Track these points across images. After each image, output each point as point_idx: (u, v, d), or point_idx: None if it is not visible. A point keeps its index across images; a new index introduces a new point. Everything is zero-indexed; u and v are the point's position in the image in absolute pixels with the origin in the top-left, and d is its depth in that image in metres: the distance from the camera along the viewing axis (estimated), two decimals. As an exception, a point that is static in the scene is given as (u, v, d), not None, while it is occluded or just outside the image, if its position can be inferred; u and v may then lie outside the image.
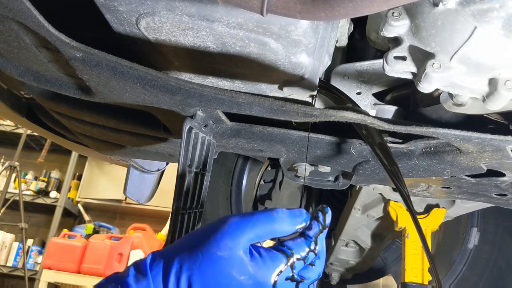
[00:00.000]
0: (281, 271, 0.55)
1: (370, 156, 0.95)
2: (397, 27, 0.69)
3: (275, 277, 0.54)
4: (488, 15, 0.61)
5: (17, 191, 4.15)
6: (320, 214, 0.62)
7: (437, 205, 1.55)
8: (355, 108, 0.84)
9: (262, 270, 0.54)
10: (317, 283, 0.62)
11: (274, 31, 0.68)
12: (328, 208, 0.63)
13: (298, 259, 0.57)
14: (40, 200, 4.61)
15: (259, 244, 0.60)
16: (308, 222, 0.61)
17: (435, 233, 1.85)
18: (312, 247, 0.59)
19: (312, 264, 0.59)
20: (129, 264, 0.59)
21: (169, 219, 1.13)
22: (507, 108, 0.79)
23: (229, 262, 0.53)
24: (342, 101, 0.90)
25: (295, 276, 0.57)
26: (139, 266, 0.55)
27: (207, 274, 0.52)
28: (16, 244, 4.52)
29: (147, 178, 1.71)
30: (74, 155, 4.76)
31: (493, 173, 0.92)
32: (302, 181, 1.22)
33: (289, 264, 0.56)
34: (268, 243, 1.25)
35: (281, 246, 0.58)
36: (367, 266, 2.03)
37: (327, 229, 0.61)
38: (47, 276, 3.83)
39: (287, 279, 0.56)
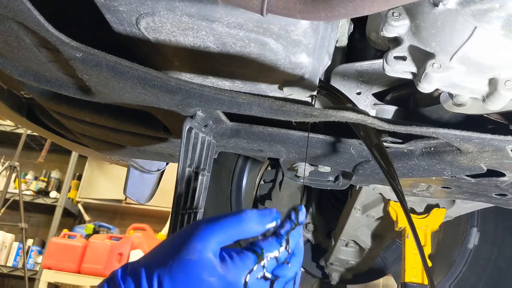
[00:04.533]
0: (251, 271, 0.55)
1: (370, 156, 0.95)
2: (397, 27, 0.69)
3: (245, 276, 0.55)
4: (488, 15, 0.61)
5: (17, 191, 4.15)
6: (293, 212, 0.61)
7: (437, 205, 1.55)
8: (355, 108, 0.84)
9: (232, 271, 0.54)
10: (299, 279, 0.62)
11: (274, 31, 0.68)
12: (302, 206, 0.62)
13: (270, 258, 0.57)
14: (40, 200, 4.61)
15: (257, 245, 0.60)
16: (279, 220, 0.61)
17: (435, 233, 1.85)
18: (284, 245, 0.58)
19: (287, 262, 0.59)
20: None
21: (169, 219, 1.13)
22: (507, 108, 0.79)
23: (199, 265, 0.53)
24: (341, 102, 0.90)
25: (268, 275, 0.57)
26: (112, 279, 0.56)
27: (177, 277, 0.53)
28: (16, 244, 4.52)
29: (147, 178, 1.71)
30: (74, 155, 4.76)
31: (493, 173, 0.92)
32: (302, 181, 1.22)
33: (260, 263, 0.56)
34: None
35: (252, 246, 0.58)
36: (367, 266, 2.02)
37: (300, 226, 0.61)
38: (47, 276, 3.83)
39: (259, 278, 0.56)
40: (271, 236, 0.59)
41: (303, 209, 0.62)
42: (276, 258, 0.58)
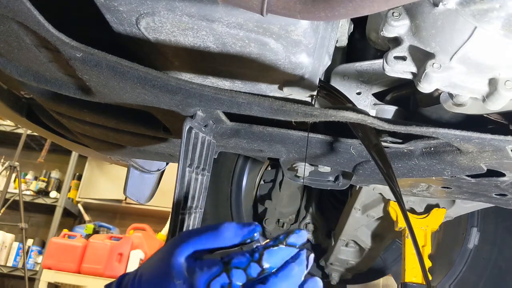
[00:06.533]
0: (215, 277, 0.56)
1: (370, 156, 0.95)
2: (397, 27, 0.69)
3: (208, 282, 0.56)
4: (488, 15, 0.61)
5: (17, 191, 4.15)
6: (284, 234, 0.59)
7: (437, 205, 1.55)
8: (355, 108, 0.84)
9: (196, 275, 0.56)
10: None
11: (274, 31, 0.68)
12: (301, 230, 0.59)
13: (236, 268, 0.57)
14: (40, 200, 4.61)
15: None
16: (258, 234, 0.60)
17: (435, 233, 1.85)
18: (255, 260, 0.57)
19: (261, 281, 0.56)
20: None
21: (169, 219, 1.13)
22: (507, 108, 0.79)
23: (170, 267, 0.57)
24: (341, 102, 0.90)
25: (232, 284, 0.56)
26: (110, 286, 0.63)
27: (150, 279, 0.59)
28: (16, 244, 4.51)
29: (147, 178, 1.71)
30: (74, 155, 4.76)
31: (493, 173, 0.92)
32: (302, 181, 1.22)
33: (225, 272, 0.56)
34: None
35: (222, 254, 0.59)
36: (367, 266, 2.02)
37: (289, 248, 0.58)
38: (47, 276, 3.83)
39: (222, 286, 0.56)
40: (247, 249, 0.59)
41: (301, 232, 0.59)
42: (244, 271, 0.57)
